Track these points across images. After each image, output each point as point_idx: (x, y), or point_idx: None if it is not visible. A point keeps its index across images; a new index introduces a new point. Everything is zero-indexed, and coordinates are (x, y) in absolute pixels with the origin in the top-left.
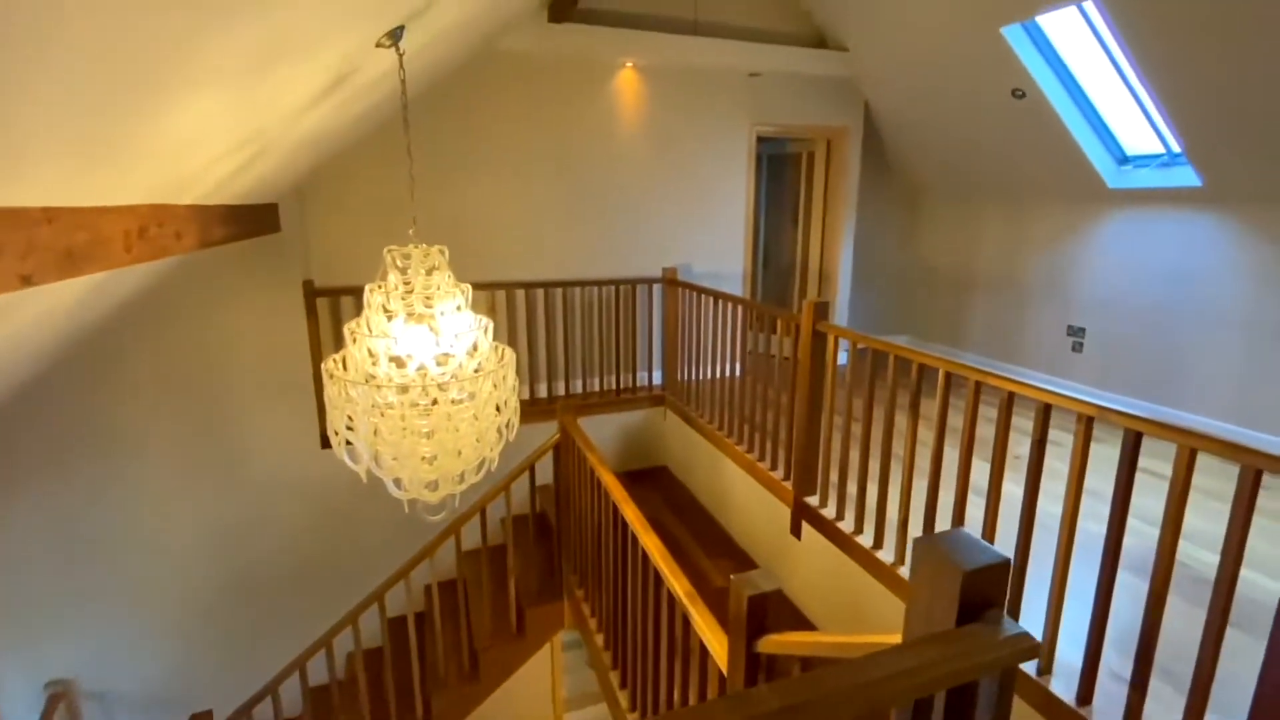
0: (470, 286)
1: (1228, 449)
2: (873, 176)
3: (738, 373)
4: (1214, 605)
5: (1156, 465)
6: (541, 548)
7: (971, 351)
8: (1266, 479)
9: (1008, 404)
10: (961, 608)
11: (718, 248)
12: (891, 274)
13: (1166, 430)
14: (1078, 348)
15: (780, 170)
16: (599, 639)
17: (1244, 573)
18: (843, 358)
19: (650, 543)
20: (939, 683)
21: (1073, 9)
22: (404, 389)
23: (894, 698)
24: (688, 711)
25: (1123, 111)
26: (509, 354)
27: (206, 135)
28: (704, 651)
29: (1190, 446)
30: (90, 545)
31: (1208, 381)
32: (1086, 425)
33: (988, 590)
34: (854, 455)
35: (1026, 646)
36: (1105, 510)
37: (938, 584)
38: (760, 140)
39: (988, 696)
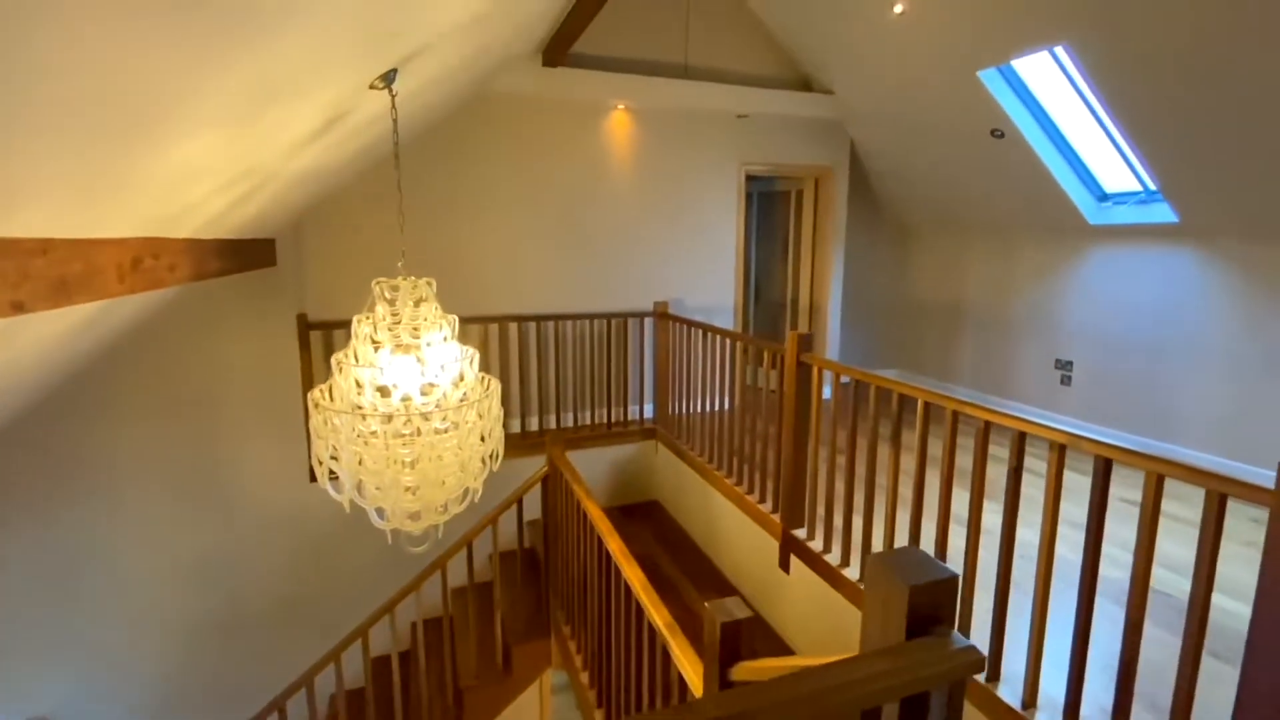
0: (457, 318)
1: (1192, 474)
2: (862, 213)
3: (729, 406)
4: (1189, 628)
5: (1137, 495)
6: (530, 584)
7: (962, 385)
8: (1257, 512)
9: (984, 433)
10: (910, 622)
11: (709, 282)
12: (883, 308)
13: (1134, 457)
14: (1066, 381)
15: (770, 207)
16: (584, 676)
17: (1228, 603)
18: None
19: (632, 575)
20: (884, 695)
21: (1045, 54)
22: (388, 418)
23: (838, 710)
24: None
25: (1099, 150)
26: (494, 384)
27: (202, 170)
28: (684, 685)
29: (1157, 472)
30: (71, 579)
31: (1193, 413)
32: (1059, 453)
33: (936, 605)
34: (840, 486)
35: (973, 659)
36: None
37: (888, 600)
38: (750, 178)
39: (938, 711)
